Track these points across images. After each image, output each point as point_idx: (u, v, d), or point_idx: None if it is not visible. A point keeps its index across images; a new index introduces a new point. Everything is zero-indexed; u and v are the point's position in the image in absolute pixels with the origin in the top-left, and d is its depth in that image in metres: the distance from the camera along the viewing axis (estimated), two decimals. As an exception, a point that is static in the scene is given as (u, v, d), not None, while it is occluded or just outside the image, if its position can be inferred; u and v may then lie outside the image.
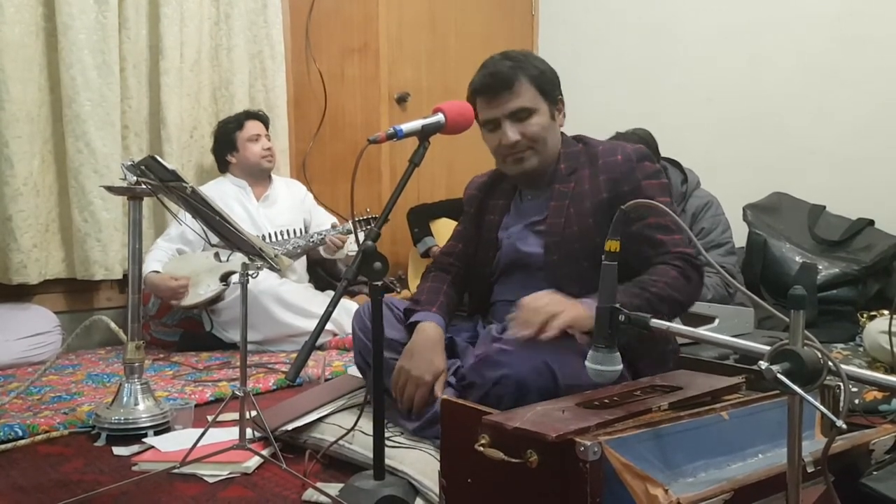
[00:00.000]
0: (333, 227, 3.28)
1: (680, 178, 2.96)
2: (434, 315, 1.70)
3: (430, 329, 1.67)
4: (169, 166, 1.57)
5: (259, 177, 3.36)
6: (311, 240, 3.20)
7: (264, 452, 1.62)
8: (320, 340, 2.23)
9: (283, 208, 3.37)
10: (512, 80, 1.65)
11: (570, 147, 1.76)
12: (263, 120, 3.40)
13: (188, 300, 2.97)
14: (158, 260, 3.03)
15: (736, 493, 0.97)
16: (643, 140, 2.84)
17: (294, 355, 2.11)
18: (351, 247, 3.26)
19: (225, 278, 2.98)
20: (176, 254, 3.10)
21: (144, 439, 1.81)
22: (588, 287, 1.55)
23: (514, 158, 1.70)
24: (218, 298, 3.01)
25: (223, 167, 3.37)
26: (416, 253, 3.85)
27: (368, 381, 1.69)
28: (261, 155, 3.30)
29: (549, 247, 1.68)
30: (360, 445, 1.56)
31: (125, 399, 1.89)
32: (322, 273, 3.46)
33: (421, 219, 3.86)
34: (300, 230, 3.26)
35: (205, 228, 1.73)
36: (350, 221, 3.18)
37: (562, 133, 1.79)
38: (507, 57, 1.69)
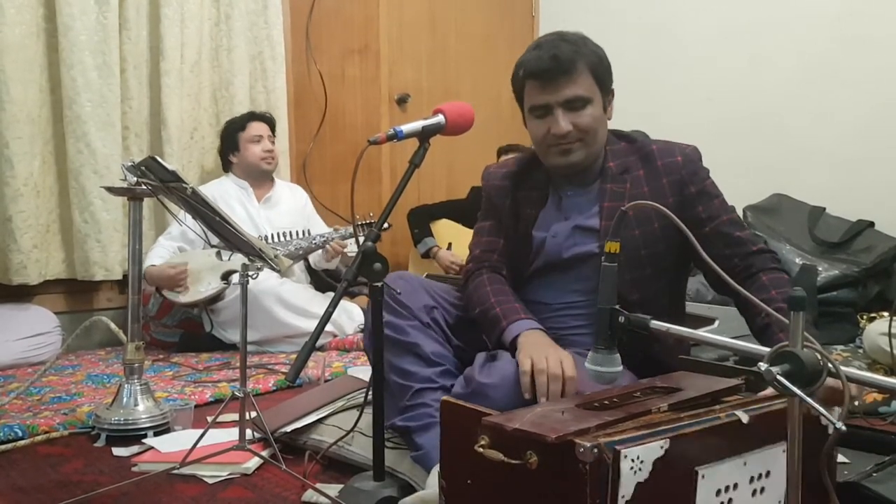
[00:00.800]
0: (336, 230, 3.28)
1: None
2: (530, 321, 1.52)
3: (538, 334, 1.49)
4: (169, 167, 1.57)
5: (260, 178, 3.36)
6: (314, 241, 3.20)
7: (264, 453, 1.62)
8: (320, 341, 2.24)
9: (284, 211, 3.37)
10: (572, 66, 1.51)
11: (615, 144, 1.64)
12: (269, 122, 3.40)
13: (189, 297, 2.97)
14: (160, 257, 3.03)
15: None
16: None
17: (294, 356, 2.11)
18: (351, 248, 3.26)
19: (226, 277, 2.98)
20: (177, 251, 3.10)
21: (144, 440, 1.81)
22: (648, 293, 1.53)
23: (560, 150, 1.56)
24: (218, 297, 3.01)
25: (226, 166, 3.38)
26: (416, 254, 3.85)
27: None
28: (260, 157, 3.29)
29: None
30: (360, 447, 1.56)
31: (125, 400, 1.89)
32: (322, 274, 3.46)
33: (421, 220, 3.86)
34: (302, 232, 3.26)
35: (205, 229, 1.73)
36: (352, 225, 3.17)
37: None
38: (565, 39, 1.55)
